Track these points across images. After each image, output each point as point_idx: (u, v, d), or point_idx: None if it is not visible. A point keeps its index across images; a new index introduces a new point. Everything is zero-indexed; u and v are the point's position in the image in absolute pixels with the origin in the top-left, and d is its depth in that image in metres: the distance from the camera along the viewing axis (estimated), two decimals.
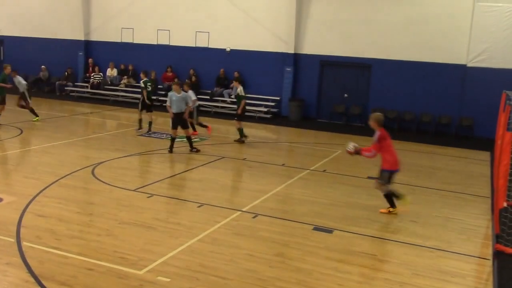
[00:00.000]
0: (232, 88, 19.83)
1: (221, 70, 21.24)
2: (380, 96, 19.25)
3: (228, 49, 21.44)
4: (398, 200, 8.80)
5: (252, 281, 6.00)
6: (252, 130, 16.94)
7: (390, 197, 8.76)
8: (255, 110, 19.98)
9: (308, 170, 11.79)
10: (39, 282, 5.67)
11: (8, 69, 15.73)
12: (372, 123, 8.60)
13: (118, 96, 22.43)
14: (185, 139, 13.06)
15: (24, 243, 6.68)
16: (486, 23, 17.46)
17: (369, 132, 14.35)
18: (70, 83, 23.87)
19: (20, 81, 16.03)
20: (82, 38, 24.11)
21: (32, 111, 16.25)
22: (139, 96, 16.28)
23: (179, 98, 12.64)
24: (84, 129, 16.48)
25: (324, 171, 11.87)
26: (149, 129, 15.37)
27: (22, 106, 16.32)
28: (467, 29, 17.79)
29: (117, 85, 22.95)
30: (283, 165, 12.33)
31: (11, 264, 6.08)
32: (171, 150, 12.71)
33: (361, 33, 19.26)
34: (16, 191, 8.89)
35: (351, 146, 8.67)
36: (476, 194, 10.57)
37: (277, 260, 6.65)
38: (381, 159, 8.68)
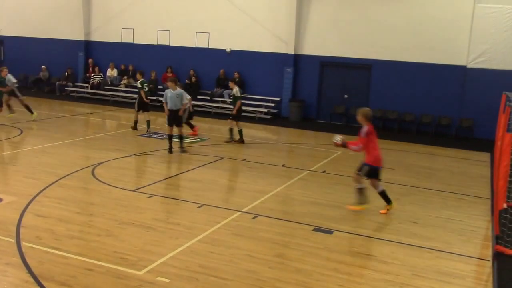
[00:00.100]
0: (232, 89, 19.80)
1: (221, 70, 21.24)
2: (380, 97, 19.25)
3: (228, 50, 21.45)
4: (386, 204, 8.80)
5: (251, 281, 6.00)
6: (252, 131, 16.97)
7: (361, 193, 8.77)
8: (255, 111, 19.99)
9: (308, 171, 11.79)
10: (38, 282, 5.66)
11: (4, 72, 15.70)
12: (360, 118, 8.66)
13: (118, 96, 22.43)
14: (185, 139, 13.04)
15: (24, 243, 6.68)
16: (486, 24, 17.46)
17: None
18: (70, 83, 23.86)
19: (10, 78, 15.96)
20: (82, 38, 24.11)
21: (27, 107, 16.20)
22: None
23: (174, 94, 12.64)
24: (84, 129, 16.48)
25: (324, 172, 11.86)
26: (148, 128, 15.39)
27: (9, 106, 16.16)
28: (467, 30, 17.80)
29: (117, 86, 22.94)
30: (283, 165, 12.33)
31: (10, 264, 6.08)
32: (170, 150, 12.71)
33: (362, 34, 19.27)
34: (16, 191, 8.88)
35: (338, 138, 8.76)
36: (476, 195, 10.57)
37: (277, 261, 6.65)
38: (365, 155, 8.71)
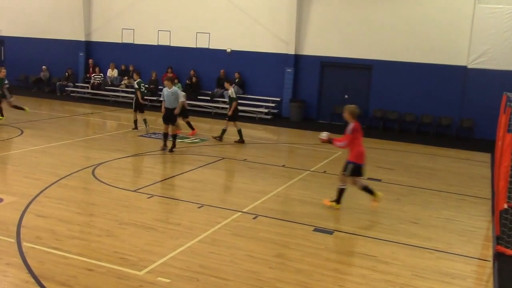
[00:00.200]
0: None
1: (222, 71, 21.24)
2: (381, 97, 19.25)
3: (228, 50, 21.45)
4: (371, 196, 8.91)
5: (252, 282, 6.00)
6: (253, 131, 16.97)
7: (341, 193, 8.88)
8: (256, 111, 20.00)
9: (309, 171, 11.79)
10: (39, 283, 5.66)
11: (3, 73, 15.64)
12: (346, 115, 8.75)
13: (118, 96, 22.43)
14: (185, 139, 13.07)
15: (24, 244, 6.68)
16: (487, 25, 17.47)
17: (369, 133, 14.40)
18: (70, 84, 23.87)
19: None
20: (83, 39, 24.12)
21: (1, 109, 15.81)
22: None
23: (169, 93, 12.83)
24: (85, 129, 16.48)
25: (325, 172, 11.86)
26: (146, 126, 15.44)
27: (16, 107, 15.99)
28: (467, 30, 17.79)
29: (118, 86, 22.95)
30: (283, 166, 12.33)
31: (11, 265, 6.08)
32: (164, 147, 12.76)
33: (362, 34, 19.27)
34: (17, 192, 8.89)
35: (324, 134, 8.90)
36: (477, 196, 10.57)
37: (277, 261, 6.65)
38: (349, 152, 8.76)
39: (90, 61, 24.04)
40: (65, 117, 18.03)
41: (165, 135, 12.96)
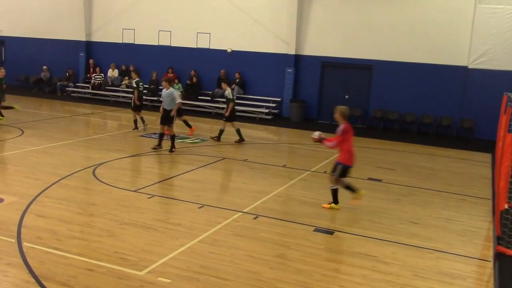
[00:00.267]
0: (233, 89, 19.83)
1: (222, 71, 21.24)
2: (381, 97, 19.25)
3: (229, 50, 21.46)
4: (353, 194, 8.91)
5: (252, 282, 6.00)
6: (253, 131, 16.97)
7: (335, 193, 8.90)
8: (256, 111, 20.00)
9: (309, 172, 11.79)
10: (39, 283, 5.67)
11: (2, 72, 15.63)
12: (337, 116, 8.82)
13: (119, 97, 22.43)
14: (185, 139, 13.08)
15: (25, 244, 6.68)
16: (488, 25, 17.46)
17: (370, 134, 14.40)
18: (71, 84, 23.87)
19: None
20: (84, 39, 24.13)
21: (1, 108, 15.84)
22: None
23: (166, 94, 12.98)
24: (85, 129, 16.48)
25: (325, 172, 11.85)
26: (144, 124, 15.48)
27: (4, 107, 15.88)
28: (468, 31, 17.79)
29: (118, 86, 22.95)
30: (284, 166, 12.34)
31: (11, 265, 6.08)
32: (171, 150, 12.77)
33: (362, 34, 19.26)
34: (17, 192, 8.89)
35: (316, 133, 9.06)
36: (477, 196, 10.57)
37: (278, 261, 6.65)
38: (339, 152, 8.79)
39: (91, 61, 24.05)
40: (65, 117, 18.03)
41: (161, 135, 13.07)
